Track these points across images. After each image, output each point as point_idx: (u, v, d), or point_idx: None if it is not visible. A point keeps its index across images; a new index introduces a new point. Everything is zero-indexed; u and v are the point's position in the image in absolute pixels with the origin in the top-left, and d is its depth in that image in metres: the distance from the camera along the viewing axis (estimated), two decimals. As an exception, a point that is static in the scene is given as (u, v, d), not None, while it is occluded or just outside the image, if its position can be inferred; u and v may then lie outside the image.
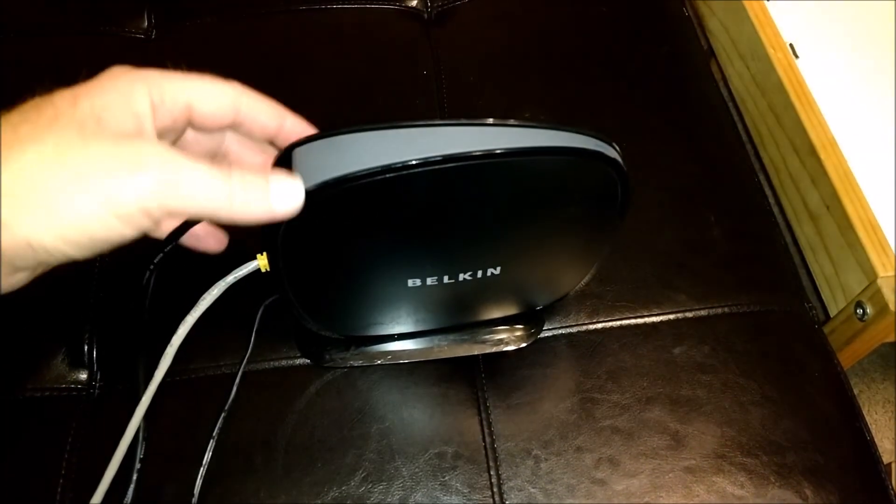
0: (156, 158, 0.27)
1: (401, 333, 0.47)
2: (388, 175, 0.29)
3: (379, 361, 0.47)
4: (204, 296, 0.35)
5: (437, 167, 0.29)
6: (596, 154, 0.33)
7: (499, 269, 0.39)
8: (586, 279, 0.49)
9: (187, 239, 0.37)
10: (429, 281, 0.38)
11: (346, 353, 0.47)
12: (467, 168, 0.30)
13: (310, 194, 0.30)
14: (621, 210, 0.37)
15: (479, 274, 0.38)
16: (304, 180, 0.30)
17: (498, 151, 0.30)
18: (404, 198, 0.31)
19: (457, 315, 0.46)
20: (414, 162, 0.29)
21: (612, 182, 0.35)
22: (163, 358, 0.37)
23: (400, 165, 0.29)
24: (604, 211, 0.37)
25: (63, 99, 0.28)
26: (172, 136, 0.33)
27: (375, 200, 0.31)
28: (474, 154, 0.29)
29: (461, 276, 0.38)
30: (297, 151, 0.30)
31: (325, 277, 0.38)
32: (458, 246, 0.36)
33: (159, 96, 0.30)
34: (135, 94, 0.30)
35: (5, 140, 0.27)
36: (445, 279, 0.38)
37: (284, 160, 0.31)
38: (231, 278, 0.35)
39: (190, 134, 0.35)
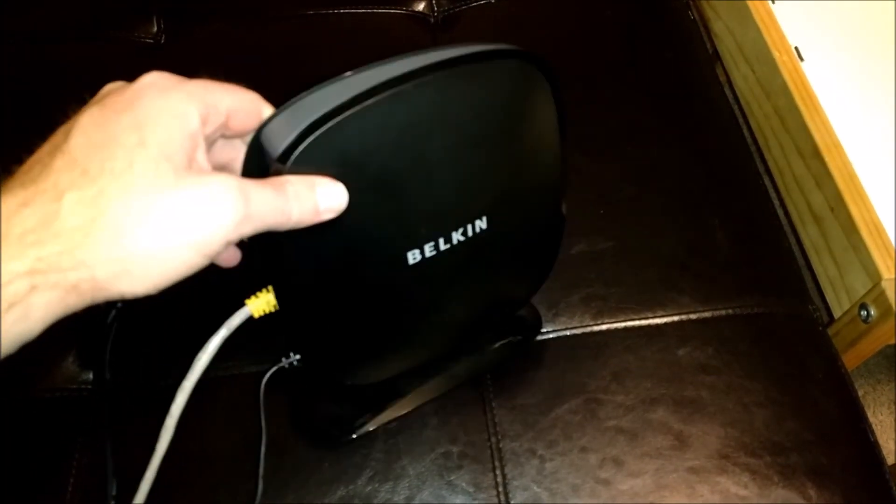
0: (232, 194, 0.29)
1: (408, 374, 0.46)
2: (344, 115, 0.31)
3: (394, 416, 0.46)
4: (198, 356, 0.35)
5: (377, 97, 0.32)
6: (510, 52, 0.35)
7: (485, 220, 0.39)
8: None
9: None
10: (427, 250, 0.38)
11: (360, 418, 0.46)
12: (401, 93, 0.32)
13: (281, 158, 0.31)
14: (560, 114, 0.41)
15: (469, 231, 0.39)
16: (273, 152, 0.31)
17: (420, 67, 0.32)
18: (369, 138, 0.33)
19: (462, 308, 0.45)
20: (357, 93, 0.31)
21: (539, 79, 0.38)
22: (163, 430, 0.36)
23: (350, 100, 0.31)
24: (545, 116, 0.40)
25: (128, 135, 0.29)
26: (208, 145, 0.34)
27: (345, 148, 0.32)
28: (397, 77, 0.32)
29: (454, 237, 0.39)
30: (264, 133, 0.32)
31: (331, 281, 0.38)
32: (439, 192, 0.37)
33: (205, 111, 0.31)
34: (189, 115, 0.30)
35: (93, 202, 0.27)
36: (441, 244, 0.39)
37: (254, 145, 0.32)
38: (224, 331, 0.35)
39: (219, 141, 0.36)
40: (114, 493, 0.43)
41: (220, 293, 0.51)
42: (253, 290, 0.36)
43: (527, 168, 0.42)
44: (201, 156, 0.31)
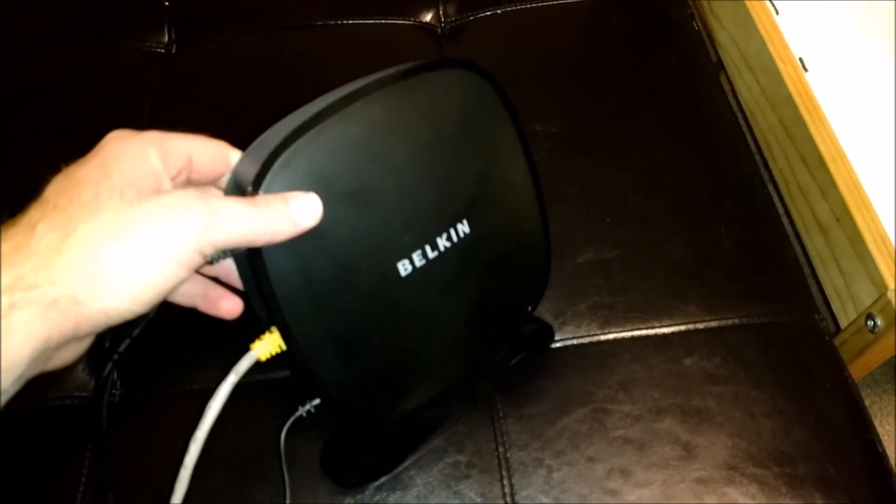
0: (195, 202, 0.31)
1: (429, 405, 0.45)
2: (301, 138, 0.33)
3: (416, 455, 0.45)
4: (209, 405, 0.36)
5: (329, 118, 0.34)
6: (447, 62, 0.40)
7: (466, 223, 0.40)
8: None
9: (203, 302, 0.40)
10: (416, 260, 0.38)
11: (391, 458, 0.45)
12: (351, 111, 0.35)
13: (253, 188, 0.33)
14: (510, 112, 0.43)
15: (454, 236, 0.40)
16: (246, 185, 0.33)
17: (364, 86, 0.36)
18: (331, 156, 0.35)
19: (466, 322, 0.45)
20: (309, 117, 0.34)
21: (484, 86, 0.42)
22: (178, 482, 0.36)
23: (303, 124, 0.34)
24: (496, 119, 0.43)
25: (94, 172, 0.31)
26: (177, 187, 0.36)
27: (311, 169, 0.34)
28: (344, 97, 0.35)
29: (440, 244, 0.39)
30: (236, 171, 0.35)
31: (330, 305, 0.37)
32: (412, 197, 0.38)
33: (164, 152, 0.34)
34: (149, 155, 0.33)
35: (63, 226, 0.29)
36: (429, 251, 0.39)
37: (231, 185, 0.35)
38: (233, 378, 0.36)
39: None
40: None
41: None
42: (256, 331, 0.37)
43: (492, 170, 0.43)
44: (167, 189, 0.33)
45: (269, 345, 0.36)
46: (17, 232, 0.29)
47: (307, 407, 0.42)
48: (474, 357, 0.46)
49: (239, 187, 0.34)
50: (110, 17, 0.68)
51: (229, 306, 0.41)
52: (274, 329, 0.36)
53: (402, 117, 0.38)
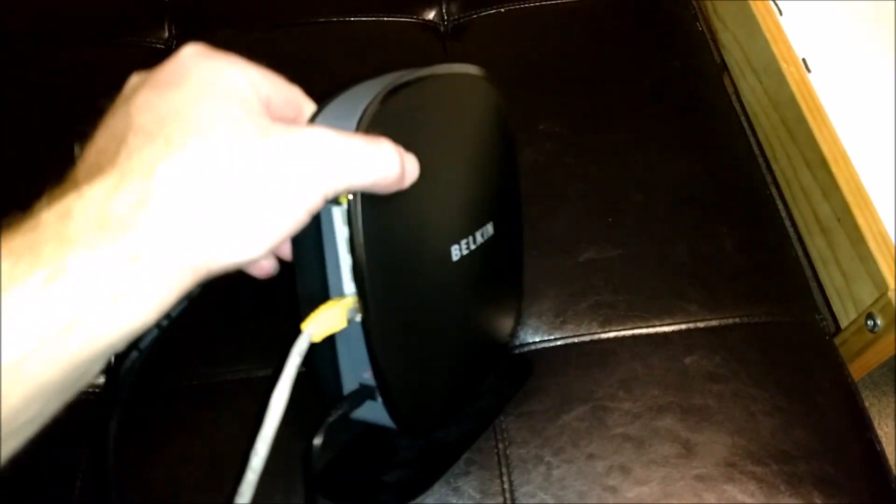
0: (335, 139, 0.28)
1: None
2: (389, 100, 0.33)
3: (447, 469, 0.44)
4: (270, 408, 0.31)
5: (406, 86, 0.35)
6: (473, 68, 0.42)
7: (491, 226, 0.42)
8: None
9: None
10: (462, 247, 0.40)
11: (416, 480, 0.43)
12: (428, 79, 0.37)
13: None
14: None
15: (482, 236, 0.41)
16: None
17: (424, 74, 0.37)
18: (410, 122, 0.35)
19: (478, 326, 0.45)
20: (389, 87, 0.33)
21: (498, 97, 0.44)
22: (244, 485, 0.32)
23: (389, 90, 0.33)
24: (506, 132, 0.45)
25: (199, 101, 0.27)
26: None
27: (396, 131, 0.33)
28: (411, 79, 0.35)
29: (477, 238, 0.41)
30: (320, 120, 0.33)
31: (401, 277, 0.36)
32: (465, 182, 0.40)
33: (255, 72, 0.30)
34: (248, 75, 0.29)
35: (184, 168, 0.25)
36: (472, 242, 0.40)
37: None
38: (292, 369, 0.31)
39: None
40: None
41: (230, 295, 0.51)
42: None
43: (506, 183, 0.45)
44: (274, 109, 0.30)
45: (324, 323, 0.33)
46: (132, 176, 0.25)
47: (339, 412, 0.37)
48: (480, 374, 0.46)
49: None
50: (110, 13, 0.68)
51: (266, 264, 0.36)
52: (332, 303, 0.33)
53: (457, 105, 0.40)
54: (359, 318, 0.34)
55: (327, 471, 0.41)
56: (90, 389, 0.48)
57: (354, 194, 0.31)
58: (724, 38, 0.77)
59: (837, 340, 0.61)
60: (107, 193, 0.24)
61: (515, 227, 0.47)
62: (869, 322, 0.58)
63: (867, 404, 0.86)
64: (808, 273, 0.62)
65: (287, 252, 0.36)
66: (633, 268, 0.52)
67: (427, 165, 0.34)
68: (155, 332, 0.35)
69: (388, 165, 0.30)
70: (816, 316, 0.53)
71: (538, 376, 0.48)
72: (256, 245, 0.26)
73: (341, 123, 0.31)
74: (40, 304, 0.22)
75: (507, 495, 0.44)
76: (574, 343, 0.50)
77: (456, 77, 0.41)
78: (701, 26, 0.70)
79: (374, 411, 0.38)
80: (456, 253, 0.39)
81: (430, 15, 0.68)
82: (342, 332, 0.34)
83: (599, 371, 0.48)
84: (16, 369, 0.22)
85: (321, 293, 0.35)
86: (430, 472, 0.43)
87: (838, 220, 0.60)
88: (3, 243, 0.23)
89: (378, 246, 0.33)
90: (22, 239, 0.23)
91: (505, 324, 0.48)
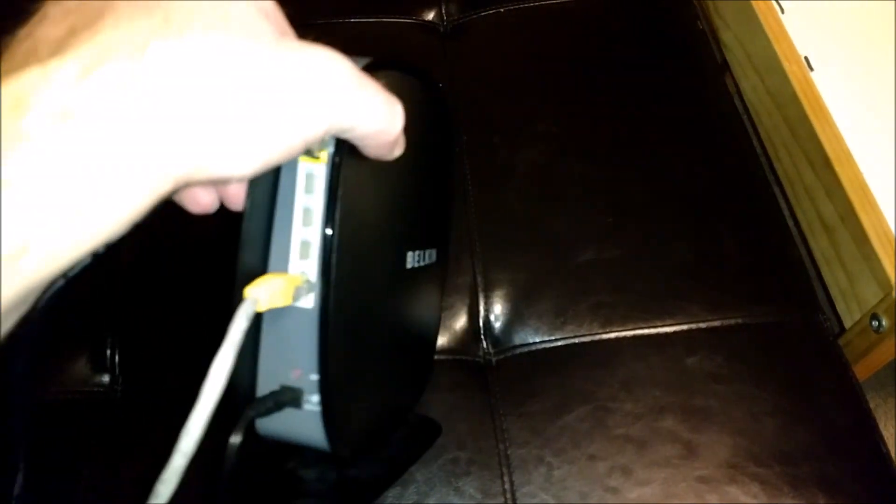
0: (354, 81, 0.24)
1: None
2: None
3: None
4: (208, 381, 0.26)
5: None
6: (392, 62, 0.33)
7: (434, 253, 0.40)
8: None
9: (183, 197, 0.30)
10: (415, 258, 0.37)
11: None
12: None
13: None
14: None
15: (427, 257, 0.40)
16: None
17: None
18: None
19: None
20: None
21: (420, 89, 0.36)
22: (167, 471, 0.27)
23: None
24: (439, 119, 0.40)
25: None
26: None
27: None
28: None
29: (425, 255, 0.39)
30: None
31: (362, 271, 0.33)
32: (422, 200, 0.38)
33: None
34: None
35: (184, 53, 0.21)
36: (422, 258, 0.38)
37: None
38: (237, 335, 0.26)
39: None
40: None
41: (220, 295, 0.51)
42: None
43: (448, 206, 0.43)
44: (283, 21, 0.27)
45: (270, 292, 0.29)
46: (123, 47, 0.20)
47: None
48: (401, 406, 0.43)
49: None
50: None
51: (208, 200, 0.30)
52: (277, 275, 0.30)
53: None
54: (307, 300, 0.30)
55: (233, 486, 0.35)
56: (92, 389, 0.48)
57: (339, 148, 0.28)
58: (726, 36, 0.76)
59: (842, 341, 0.60)
60: (80, 73, 0.19)
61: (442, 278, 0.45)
62: (874, 322, 0.57)
63: (872, 406, 0.86)
64: (812, 273, 0.61)
65: (238, 198, 0.31)
66: (633, 268, 0.52)
67: (392, 165, 0.31)
68: (87, 261, 0.28)
69: (394, 121, 0.27)
70: (820, 316, 0.53)
71: (539, 376, 0.48)
72: (248, 160, 0.23)
73: None
74: None
75: (508, 496, 0.44)
76: (575, 343, 0.50)
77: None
78: (702, 25, 0.70)
79: (292, 422, 0.32)
80: (410, 261, 0.37)
81: (430, 16, 0.68)
82: (270, 318, 0.30)
83: (600, 372, 0.48)
84: None
85: (260, 267, 0.31)
86: (350, 500, 0.39)
87: (842, 219, 0.60)
88: None
89: (348, 220, 0.30)
90: None
91: (420, 371, 0.45)
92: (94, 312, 0.51)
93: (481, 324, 0.51)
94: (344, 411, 0.33)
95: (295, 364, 0.31)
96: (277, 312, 0.30)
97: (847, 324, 0.61)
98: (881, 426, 0.59)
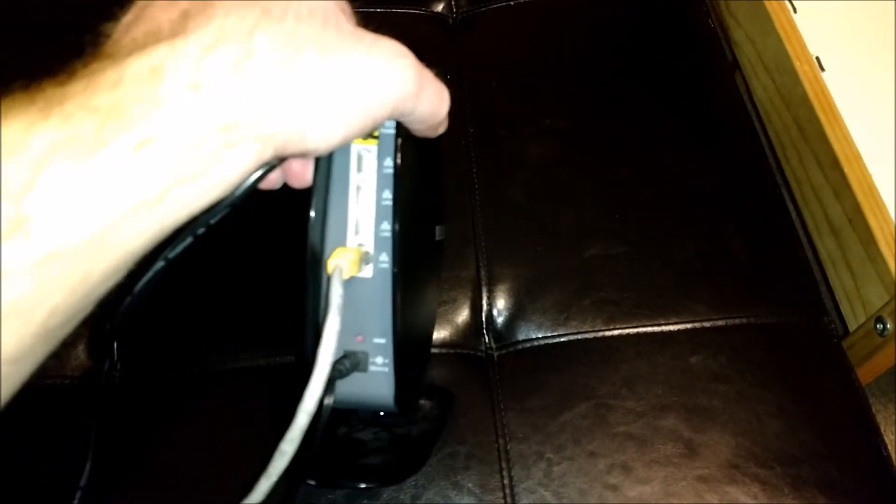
0: (417, 69, 0.27)
1: None
2: None
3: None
4: (322, 343, 0.29)
5: None
6: None
7: (438, 230, 0.42)
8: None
9: (287, 172, 0.34)
10: (438, 233, 0.40)
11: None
12: None
13: None
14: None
15: (440, 233, 0.42)
16: None
17: None
18: None
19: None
20: None
21: None
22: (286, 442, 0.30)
23: None
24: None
25: None
26: None
27: None
28: None
29: (442, 232, 0.43)
30: None
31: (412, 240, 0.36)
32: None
33: None
34: None
35: (285, 39, 0.24)
36: (440, 232, 0.42)
37: None
38: (337, 298, 0.30)
39: None
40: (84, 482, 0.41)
41: (227, 287, 0.51)
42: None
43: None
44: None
45: (350, 262, 0.32)
46: (230, 36, 0.23)
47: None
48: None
49: None
50: None
51: (307, 175, 0.33)
52: (344, 249, 0.33)
53: None
54: (366, 271, 0.33)
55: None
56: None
57: (399, 128, 0.32)
58: (737, 35, 0.76)
59: (845, 343, 0.60)
60: (202, 51, 0.23)
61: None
62: (878, 325, 0.57)
63: (874, 410, 0.85)
64: (817, 274, 0.61)
65: (302, 175, 0.33)
66: (639, 265, 0.52)
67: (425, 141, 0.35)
68: (189, 240, 0.31)
69: (443, 105, 0.30)
70: (825, 318, 0.52)
71: (540, 372, 0.48)
72: (332, 134, 0.26)
73: None
74: (132, 171, 0.21)
75: (507, 491, 0.43)
76: (578, 340, 0.49)
77: None
78: (713, 23, 0.69)
79: (357, 386, 0.35)
80: (437, 234, 0.40)
81: (439, 7, 0.68)
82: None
83: (603, 368, 0.48)
84: (105, 238, 0.21)
85: (320, 242, 0.34)
86: (410, 460, 0.42)
87: (849, 221, 0.59)
88: (84, 98, 0.21)
89: (404, 194, 0.33)
90: (106, 95, 0.21)
91: (430, 342, 0.47)
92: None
93: (484, 318, 0.51)
94: (406, 369, 0.35)
95: (358, 331, 0.34)
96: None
97: (851, 326, 0.61)
98: (882, 430, 0.59)
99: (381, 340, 0.34)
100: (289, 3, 0.25)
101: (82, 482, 0.42)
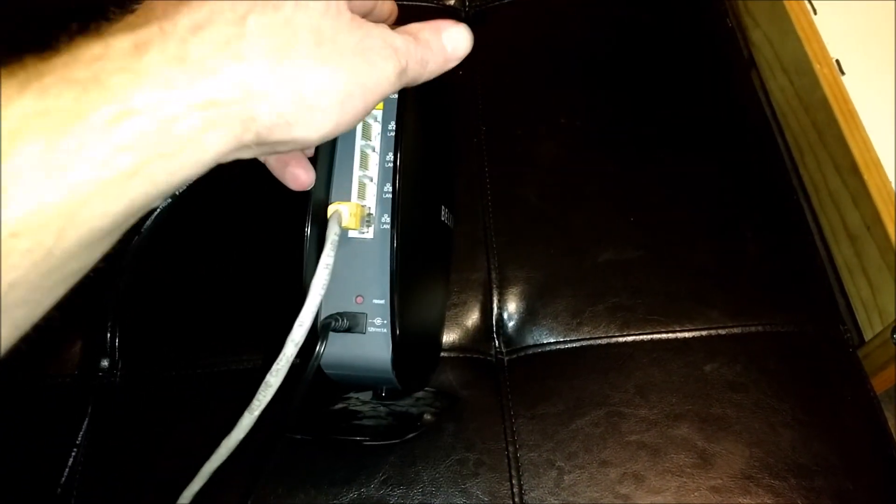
0: (405, 50, 0.28)
1: None
2: None
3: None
4: (317, 274, 0.30)
5: None
6: None
7: (447, 211, 0.43)
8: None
9: (275, 158, 0.34)
10: (444, 214, 0.41)
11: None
12: None
13: None
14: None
15: (444, 215, 0.43)
16: None
17: None
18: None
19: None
20: None
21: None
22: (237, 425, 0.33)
23: None
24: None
25: None
26: None
27: None
28: None
29: (444, 215, 0.43)
30: None
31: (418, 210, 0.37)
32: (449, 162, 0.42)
33: None
34: None
35: (280, 24, 0.24)
36: (446, 214, 0.42)
37: None
38: (334, 237, 0.31)
39: None
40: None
41: (226, 286, 0.50)
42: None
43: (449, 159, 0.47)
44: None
45: (351, 213, 0.33)
46: (221, 15, 0.23)
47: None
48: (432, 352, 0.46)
49: None
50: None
51: (297, 172, 0.34)
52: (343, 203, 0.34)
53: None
54: (368, 232, 0.34)
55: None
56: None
57: (402, 99, 0.33)
58: (755, 35, 0.75)
59: (861, 353, 0.59)
60: (190, 30, 0.23)
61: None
62: (894, 336, 0.56)
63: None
64: (833, 281, 0.60)
65: (304, 179, 0.34)
66: (653, 270, 0.51)
67: (431, 111, 0.36)
68: (167, 202, 0.32)
69: (429, 60, 0.30)
70: (840, 327, 0.52)
71: (552, 378, 0.47)
72: (325, 122, 0.26)
73: None
74: (106, 145, 0.21)
75: (517, 500, 0.43)
76: (590, 346, 0.48)
77: None
78: (731, 23, 0.68)
79: (355, 347, 0.35)
80: (443, 214, 0.40)
81: (451, 0, 0.67)
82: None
83: (616, 375, 0.47)
84: (74, 211, 0.21)
85: (324, 202, 0.34)
86: (405, 426, 0.42)
87: (867, 228, 0.58)
88: (65, 71, 0.21)
89: (407, 160, 0.34)
90: (87, 69, 0.21)
91: (439, 339, 0.47)
92: (93, 296, 0.50)
93: (494, 322, 0.50)
94: (404, 334, 0.35)
95: (357, 291, 0.35)
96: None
97: (867, 335, 0.60)
98: (896, 441, 0.58)
99: (381, 301, 0.34)
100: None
101: (76, 477, 0.42)
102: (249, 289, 0.50)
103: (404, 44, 0.28)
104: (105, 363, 0.48)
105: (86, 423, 0.44)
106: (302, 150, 0.33)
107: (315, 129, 0.25)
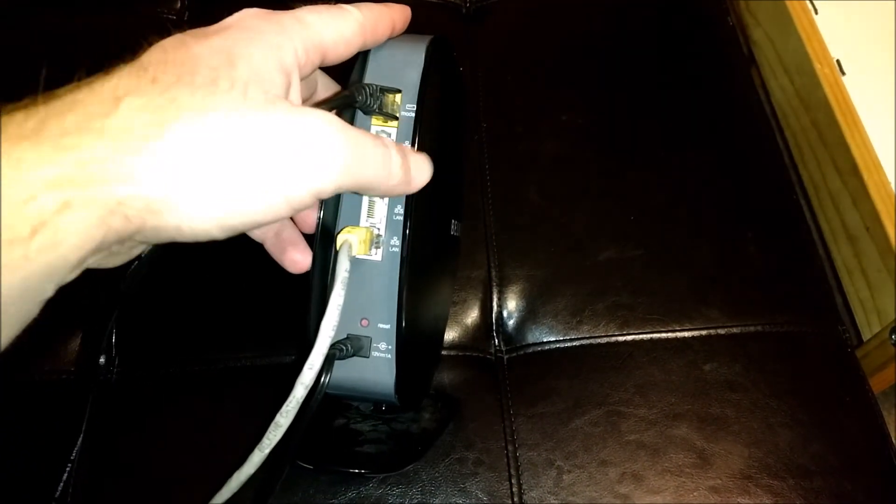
0: (339, 135, 0.25)
1: None
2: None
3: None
4: (329, 306, 0.29)
5: None
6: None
7: (455, 224, 0.42)
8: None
9: (273, 241, 0.34)
10: (454, 226, 0.40)
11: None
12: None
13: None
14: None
15: (454, 228, 0.42)
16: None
17: None
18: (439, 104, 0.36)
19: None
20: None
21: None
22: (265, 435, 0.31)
23: None
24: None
25: (215, 56, 0.24)
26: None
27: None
28: None
29: (453, 227, 0.42)
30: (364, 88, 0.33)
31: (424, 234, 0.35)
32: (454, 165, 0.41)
33: (302, 49, 0.27)
34: (284, 50, 0.26)
35: (160, 109, 0.22)
36: (455, 228, 0.42)
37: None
38: (343, 273, 0.30)
39: None
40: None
41: (225, 282, 0.50)
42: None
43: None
44: (295, 95, 0.27)
45: (360, 239, 0.32)
46: (91, 100, 0.21)
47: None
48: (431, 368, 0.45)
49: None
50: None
51: (296, 258, 0.34)
52: (353, 228, 0.33)
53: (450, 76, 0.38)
54: (376, 254, 0.33)
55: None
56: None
57: (420, 110, 0.32)
58: (756, 34, 0.74)
59: (859, 353, 0.59)
60: (59, 112, 0.21)
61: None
62: (893, 336, 0.56)
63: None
64: (832, 282, 0.60)
65: (311, 224, 0.34)
66: (653, 269, 0.51)
67: (446, 125, 0.35)
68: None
69: (392, 168, 0.28)
70: (839, 327, 0.52)
71: (551, 377, 0.47)
72: (210, 213, 0.23)
73: (403, 61, 0.33)
74: None
75: (516, 499, 0.43)
76: (590, 345, 0.48)
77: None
78: (732, 21, 0.68)
79: (358, 371, 0.34)
80: (452, 228, 0.39)
81: (453, -2, 0.66)
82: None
83: (615, 375, 0.47)
84: None
85: (332, 224, 0.33)
86: (407, 451, 0.41)
87: (867, 228, 0.58)
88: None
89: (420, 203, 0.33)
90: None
91: (440, 344, 0.47)
92: (91, 292, 0.49)
93: (494, 320, 0.50)
94: (409, 359, 0.34)
95: (363, 313, 0.34)
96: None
97: (865, 336, 0.60)
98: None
99: (386, 326, 0.34)
100: (187, 74, 0.23)
101: (74, 476, 0.41)
102: (248, 285, 0.49)
103: (352, 134, 0.26)
104: (102, 360, 0.47)
105: (85, 422, 0.44)
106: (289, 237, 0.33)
107: (201, 222, 0.23)
